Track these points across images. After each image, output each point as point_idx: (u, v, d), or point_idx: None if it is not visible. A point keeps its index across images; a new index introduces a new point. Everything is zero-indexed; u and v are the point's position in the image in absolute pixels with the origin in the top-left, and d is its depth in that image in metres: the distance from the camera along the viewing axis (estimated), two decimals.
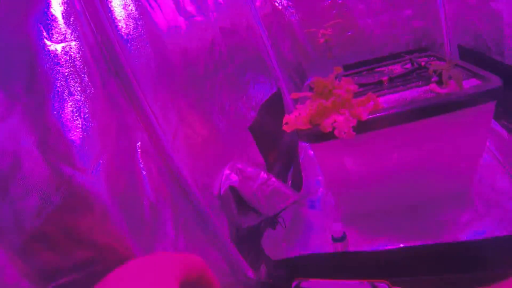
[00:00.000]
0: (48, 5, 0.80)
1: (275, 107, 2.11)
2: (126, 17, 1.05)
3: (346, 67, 2.20)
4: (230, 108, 1.53)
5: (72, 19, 0.85)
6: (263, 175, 1.42)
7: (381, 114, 1.28)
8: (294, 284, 1.15)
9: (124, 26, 1.03)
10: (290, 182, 2.00)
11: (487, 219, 1.44)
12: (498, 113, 1.35)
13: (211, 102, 1.40)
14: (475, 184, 1.63)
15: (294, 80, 2.49)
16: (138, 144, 0.94)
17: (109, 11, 0.99)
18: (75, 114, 0.77)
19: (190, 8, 1.50)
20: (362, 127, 1.25)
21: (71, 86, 0.78)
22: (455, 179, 1.56)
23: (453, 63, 1.40)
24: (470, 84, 1.35)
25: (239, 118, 1.61)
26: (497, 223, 1.41)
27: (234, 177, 1.28)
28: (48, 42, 0.76)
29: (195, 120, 1.26)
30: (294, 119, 1.28)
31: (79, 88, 0.80)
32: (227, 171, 1.30)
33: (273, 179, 1.46)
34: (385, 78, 1.61)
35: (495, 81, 1.30)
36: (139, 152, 0.93)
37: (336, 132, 1.23)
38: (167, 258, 0.46)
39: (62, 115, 0.74)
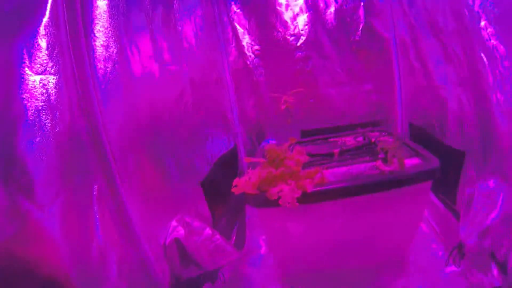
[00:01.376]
0: (36, 32, 0.84)
1: (229, 163, 2.17)
2: (106, 59, 1.10)
3: (304, 133, 2.34)
4: (185, 160, 1.58)
5: (56, 51, 0.88)
6: (208, 231, 1.47)
7: (325, 187, 1.38)
8: None
9: (102, 67, 1.08)
10: (234, 238, 2.03)
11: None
12: (437, 187, 1.48)
13: (169, 152, 1.45)
14: (411, 252, 1.74)
15: (252, 138, 2.59)
16: (95, 187, 0.97)
17: (92, 49, 1.03)
18: (42, 149, 0.79)
19: (166, 56, 1.57)
20: (306, 198, 1.32)
21: (42, 120, 0.81)
22: (393, 248, 1.66)
23: (399, 142, 1.54)
24: (412, 163, 1.51)
25: (193, 171, 1.66)
26: None
27: (180, 230, 1.32)
28: (28, 71, 0.80)
29: (152, 168, 1.30)
30: (244, 183, 1.35)
31: (49, 124, 0.83)
32: (174, 223, 1.34)
33: (217, 236, 1.50)
34: (336, 151, 1.73)
35: (433, 162, 1.47)
36: (95, 195, 0.96)
37: (280, 201, 1.30)
38: None
39: (30, 148, 0.77)
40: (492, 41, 1.45)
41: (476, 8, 1.50)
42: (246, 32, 2.50)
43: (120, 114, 1.14)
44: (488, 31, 1.46)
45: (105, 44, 1.11)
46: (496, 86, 1.46)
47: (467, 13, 1.56)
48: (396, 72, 2.44)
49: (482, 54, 1.51)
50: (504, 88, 1.42)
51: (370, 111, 2.54)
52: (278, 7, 2.45)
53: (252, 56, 2.52)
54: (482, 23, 1.48)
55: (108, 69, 1.11)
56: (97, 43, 1.07)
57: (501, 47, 1.42)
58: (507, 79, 1.40)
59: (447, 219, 1.79)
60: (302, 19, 2.46)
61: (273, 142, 2.46)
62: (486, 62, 1.49)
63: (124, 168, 1.10)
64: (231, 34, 2.51)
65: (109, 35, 1.12)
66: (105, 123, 1.02)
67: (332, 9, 2.46)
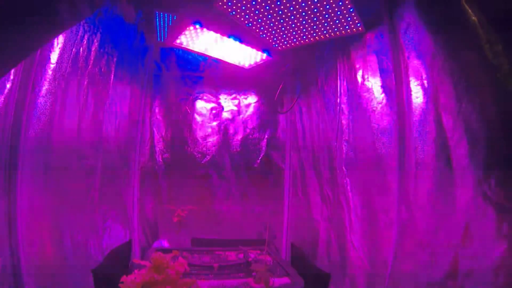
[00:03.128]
0: None
1: (122, 256, 2.23)
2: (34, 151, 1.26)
3: (194, 241, 2.52)
4: (83, 247, 1.68)
5: None
6: None
7: None
8: None
9: (31, 159, 1.23)
10: None
11: None
12: None
13: (69, 237, 1.55)
14: None
15: (147, 236, 2.67)
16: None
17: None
18: None
19: (86, 151, 1.74)
20: None
21: None
22: None
23: (269, 265, 1.80)
24: (281, 282, 1.78)
25: (87, 258, 1.74)
26: None
27: None
28: None
29: (51, 249, 1.41)
30: (130, 282, 1.49)
31: None
32: None
33: None
34: (215, 265, 1.94)
35: (299, 283, 1.77)
36: None
37: None
38: None
39: None
40: (350, 193, 1.87)
41: (343, 166, 1.94)
42: (161, 139, 2.76)
43: (36, 198, 1.27)
44: (348, 186, 1.89)
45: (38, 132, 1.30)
46: (350, 229, 1.84)
47: (337, 169, 2.00)
48: (286, 199, 2.81)
49: (343, 202, 1.91)
50: (355, 232, 1.80)
51: (258, 230, 2.79)
52: (193, 125, 2.80)
53: (161, 162, 2.74)
54: (347, 180, 1.91)
55: (34, 160, 1.28)
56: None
57: (356, 199, 1.83)
58: (358, 225, 1.79)
59: None
60: (211, 140, 2.81)
61: (165, 243, 2.58)
62: (345, 209, 1.89)
63: (29, 248, 1.19)
64: (148, 136, 2.75)
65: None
66: (22, 205, 1.14)
67: (239, 136, 2.87)
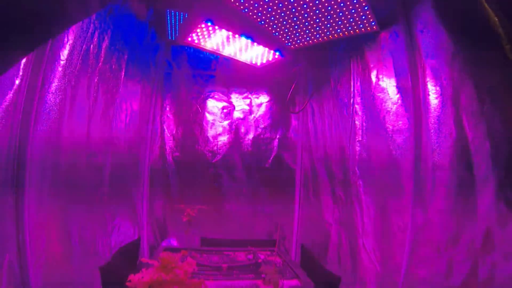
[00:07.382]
0: None
1: (131, 253, 2.22)
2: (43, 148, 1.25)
3: (203, 240, 2.49)
4: (90, 243, 1.67)
5: None
6: None
7: None
8: None
9: (38, 157, 1.22)
10: None
11: None
12: None
13: (77, 234, 1.54)
14: None
15: (156, 234, 2.66)
16: (7, 256, 1.04)
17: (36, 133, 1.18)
18: None
19: (94, 147, 1.72)
20: None
21: None
22: None
23: (279, 267, 1.77)
24: (291, 284, 1.74)
25: (95, 255, 1.73)
26: None
27: None
28: None
29: (59, 247, 1.40)
30: (137, 280, 1.47)
31: None
32: None
33: None
34: (224, 265, 1.91)
35: (308, 286, 1.73)
36: (6, 264, 1.03)
37: None
38: None
39: None
40: (363, 195, 1.83)
41: (355, 168, 1.90)
42: (172, 137, 2.75)
43: (44, 195, 1.26)
44: (361, 188, 1.85)
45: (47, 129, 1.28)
46: (362, 232, 1.80)
47: (349, 170, 1.96)
48: (297, 200, 2.78)
49: (356, 204, 1.87)
50: (367, 235, 1.76)
51: (268, 231, 2.78)
52: (204, 124, 2.78)
53: (171, 160, 2.73)
54: (360, 181, 1.87)
55: (43, 157, 1.27)
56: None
57: (369, 201, 1.79)
58: (370, 228, 1.75)
59: None
60: (222, 139, 2.79)
61: (174, 241, 2.58)
62: (358, 211, 1.85)
63: (36, 244, 1.18)
64: (159, 134, 2.74)
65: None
66: (30, 202, 1.13)
67: (251, 136, 2.84)
